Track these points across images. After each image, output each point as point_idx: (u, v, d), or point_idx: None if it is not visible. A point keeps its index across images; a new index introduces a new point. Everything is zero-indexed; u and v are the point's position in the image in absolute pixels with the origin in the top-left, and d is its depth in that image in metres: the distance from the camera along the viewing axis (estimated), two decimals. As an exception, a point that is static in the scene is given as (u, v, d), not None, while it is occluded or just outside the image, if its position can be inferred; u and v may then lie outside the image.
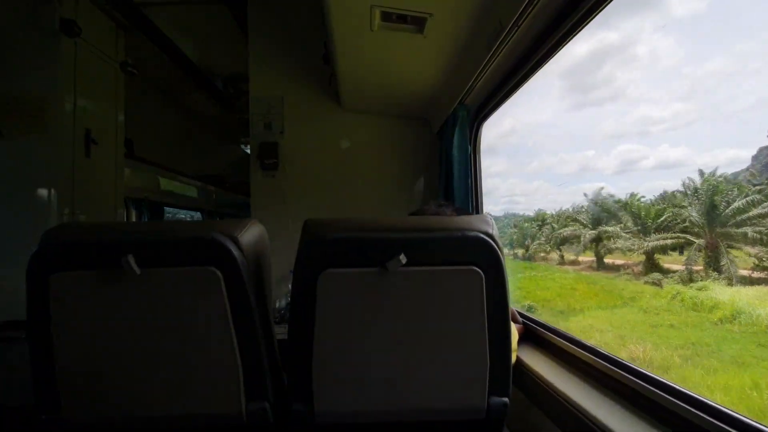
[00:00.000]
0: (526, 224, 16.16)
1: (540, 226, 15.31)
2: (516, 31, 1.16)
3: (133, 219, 3.81)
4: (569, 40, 1.13)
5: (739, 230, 9.07)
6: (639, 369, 0.90)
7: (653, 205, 11.82)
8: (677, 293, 9.25)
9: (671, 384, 0.81)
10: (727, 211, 9.32)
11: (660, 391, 0.81)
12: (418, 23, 1.36)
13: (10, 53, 2.02)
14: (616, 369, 0.95)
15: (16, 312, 1.90)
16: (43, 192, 2.00)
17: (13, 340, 1.94)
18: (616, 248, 11.96)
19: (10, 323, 1.97)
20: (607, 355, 1.01)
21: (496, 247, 0.79)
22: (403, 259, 0.76)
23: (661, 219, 10.98)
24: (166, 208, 4.62)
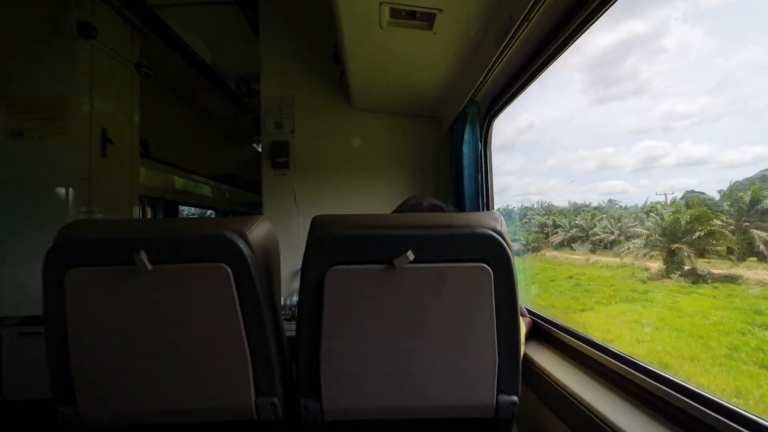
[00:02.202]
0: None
1: None
2: (526, 26, 1.15)
3: (149, 217, 3.88)
4: (580, 35, 1.11)
5: None
6: (651, 368, 0.89)
7: None
8: None
9: (684, 384, 0.79)
10: None
11: (673, 391, 0.79)
12: (427, 19, 1.35)
13: (30, 57, 2.08)
14: (627, 368, 0.93)
15: (38, 308, 1.97)
16: (61, 190, 2.05)
17: (32, 335, 2.00)
18: None
19: (30, 318, 2.03)
20: (618, 354, 1.00)
21: (504, 243, 0.78)
22: (410, 255, 0.76)
23: None
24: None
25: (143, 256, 0.77)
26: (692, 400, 0.75)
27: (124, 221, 0.88)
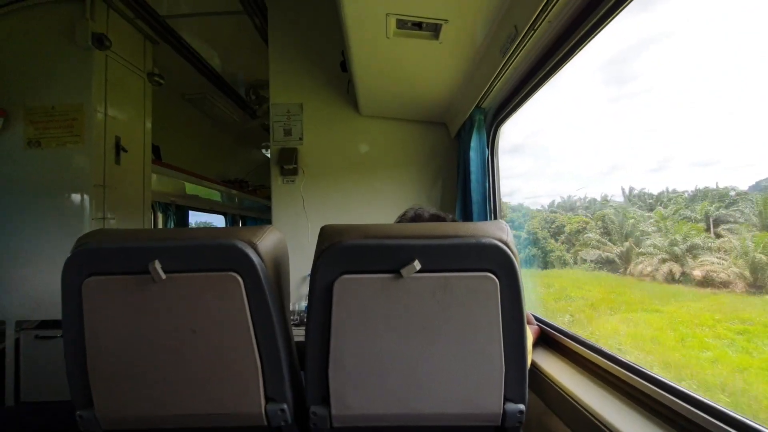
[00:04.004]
0: None
1: None
2: (531, 35, 1.16)
3: (160, 222, 3.95)
4: (586, 44, 1.12)
5: None
6: (659, 377, 0.88)
7: None
8: None
9: (696, 396, 0.79)
10: None
11: (684, 402, 0.79)
12: (433, 29, 1.37)
13: (47, 68, 2.14)
14: (635, 376, 0.93)
15: (54, 312, 2.02)
16: (77, 197, 2.11)
17: (48, 339, 2.05)
18: None
19: (46, 323, 2.08)
20: (625, 362, 0.99)
21: (510, 253, 0.79)
22: (417, 265, 0.78)
23: None
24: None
25: (157, 265, 0.80)
26: (704, 413, 0.75)
27: (139, 231, 0.91)
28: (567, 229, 1.67)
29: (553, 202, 1.83)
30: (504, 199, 2.07)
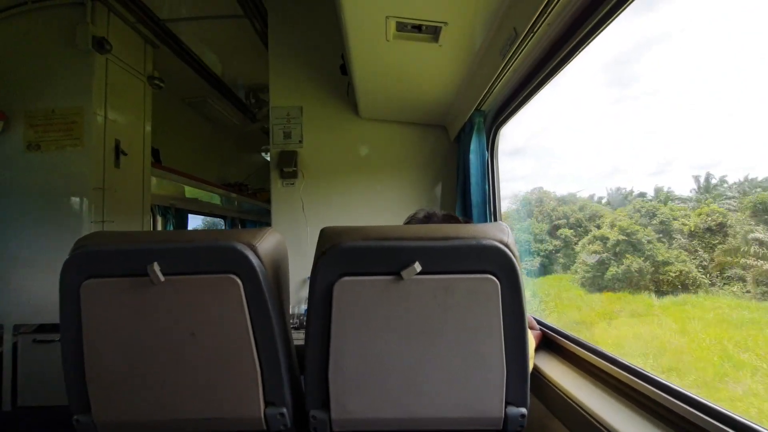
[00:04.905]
0: None
1: None
2: (531, 38, 1.16)
3: (159, 225, 3.94)
4: (585, 47, 1.12)
5: None
6: (663, 380, 0.88)
7: None
8: None
9: (700, 399, 0.78)
10: None
11: (688, 406, 0.78)
12: (432, 32, 1.37)
13: (47, 71, 2.14)
14: (638, 380, 0.92)
15: (52, 316, 2.01)
16: (76, 200, 2.10)
17: (47, 343, 2.04)
18: None
19: (44, 326, 2.07)
20: (628, 366, 0.99)
21: (511, 255, 0.79)
22: (417, 267, 0.77)
23: None
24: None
25: (156, 267, 0.79)
26: (708, 416, 0.74)
27: (138, 233, 0.90)
28: (678, 225, 1.10)
29: (593, 195, 1.41)
30: (547, 189, 1.88)
